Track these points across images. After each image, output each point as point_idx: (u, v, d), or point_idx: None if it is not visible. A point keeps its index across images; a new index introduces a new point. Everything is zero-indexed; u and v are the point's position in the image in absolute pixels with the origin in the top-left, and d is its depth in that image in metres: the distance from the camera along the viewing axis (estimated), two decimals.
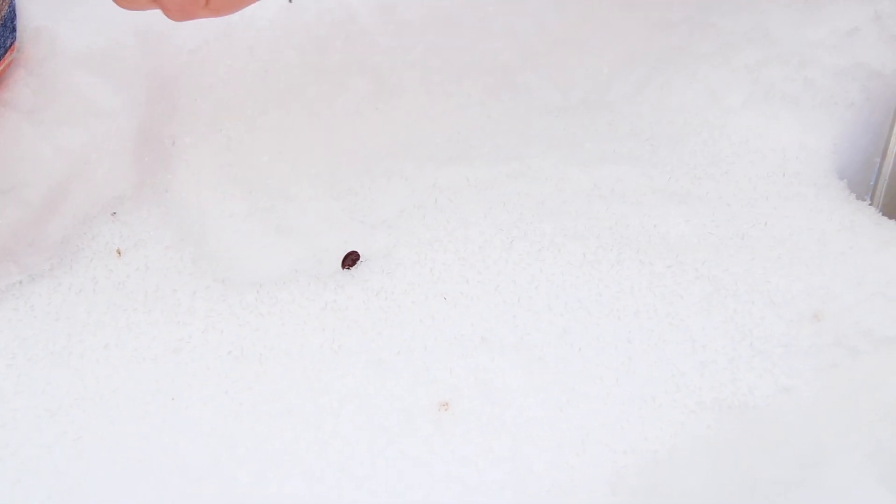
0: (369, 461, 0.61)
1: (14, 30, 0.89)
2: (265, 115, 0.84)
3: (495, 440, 0.61)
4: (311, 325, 0.68)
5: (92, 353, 0.67)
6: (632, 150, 0.78)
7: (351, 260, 0.72)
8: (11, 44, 0.88)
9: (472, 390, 0.64)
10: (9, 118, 0.90)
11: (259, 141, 0.82)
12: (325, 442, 0.62)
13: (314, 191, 0.79)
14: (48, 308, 0.70)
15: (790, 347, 0.63)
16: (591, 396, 0.62)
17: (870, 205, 0.72)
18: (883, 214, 0.71)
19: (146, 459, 0.62)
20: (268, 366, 0.66)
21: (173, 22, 0.64)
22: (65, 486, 0.61)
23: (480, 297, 0.68)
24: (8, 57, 0.88)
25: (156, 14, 0.64)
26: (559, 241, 0.71)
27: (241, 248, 0.74)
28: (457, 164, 0.79)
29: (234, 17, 0.74)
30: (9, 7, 0.87)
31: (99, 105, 0.88)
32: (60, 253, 0.76)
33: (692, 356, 0.63)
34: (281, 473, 0.61)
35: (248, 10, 0.68)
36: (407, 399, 0.64)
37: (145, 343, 0.67)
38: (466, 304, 0.68)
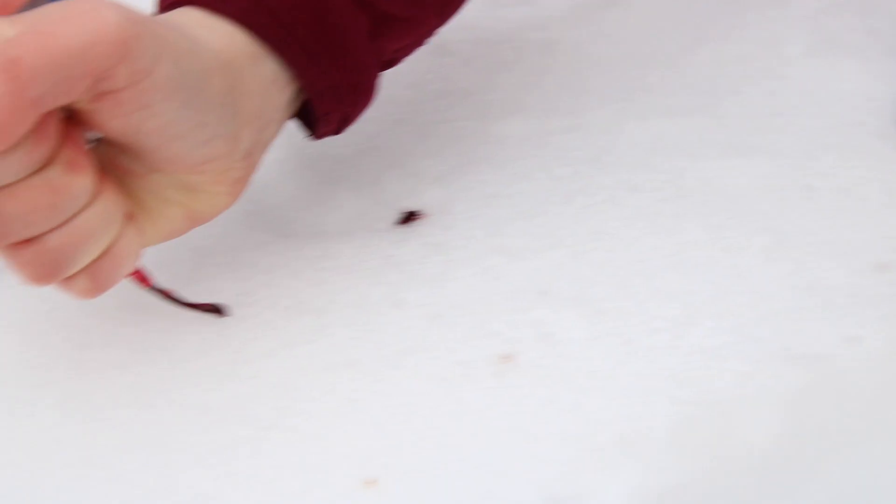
0: (431, 412, 0.61)
1: None
2: None
3: (557, 392, 0.61)
4: (371, 278, 0.68)
5: (154, 308, 0.67)
6: (688, 102, 0.78)
7: (408, 218, 0.72)
8: None
9: (532, 343, 0.63)
10: None
11: None
12: (387, 394, 0.62)
13: (369, 146, 0.78)
14: None
15: (856, 297, 0.62)
16: (654, 348, 0.62)
17: None
18: None
19: (210, 409, 0.62)
20: (328, 319, 0.66)
21: None
22: (132, 437, 0.62)
23: (539, 251, 0.68)
24: None
25: None
26: (618, 194, 0.71)
27: (300, 202, 0.74)
28: (512, 119, 0.79)
29: None
30: None
31: None
32: None
33: (756, 307, 0.63)
34: (344, 424, 0.61)
35: None
36: (467, 352, 0.64)
37: (206, 297, 0.68)
38: (525, 257, 0.68)
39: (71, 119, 0.50)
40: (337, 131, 0.65)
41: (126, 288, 0.68)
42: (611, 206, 0.70)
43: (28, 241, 0.49)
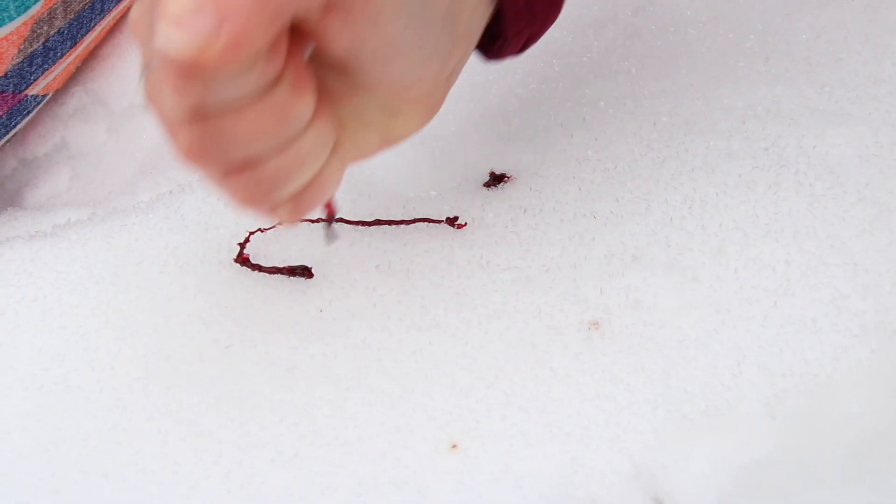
0: (517, 377, 0.61)
1: None
2: None
3: (647, 360, 0.60)
4: (459, 240, 0.67)
5: (239, 265, 0.67)
6: (787, 69, 0.76)
7: (497, 180, 0.71)
8: None
9: (622, 309, 0.62)
10: None
11: None
12: (472, 357, 0.62)
13: (458, 108, 0.77)
14: (198, 218, 0.70)
15: None
16: (748, 318, 0.61)
17: None
18: None
19: (295, 367, 0.62)
20: (415, 280, 0.65)
21: None
22: (216, 392, 0.62)
23: (631, 216, 0.67)
24: None
25: None
26: (712, 160, 0.69)
27: (387, 162, 0.74)
28: (603, 82, 0.77)
29: None
30: None
31: None
32: None
33: (854, 279, 0.61)
34: (427, 385, 0.61)
35: None
36: (556, 316, 0.63)
37: (293, 255, 0.68)
38: (616, 222, 0.67)
39: (294, 34, 0.47)
40: (520, 52, 0.63)
41: (210, 243, 0.68)
42: (704, 173, 0.68)
43: (246, 166, 0.48)
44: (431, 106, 0.56)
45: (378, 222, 0.68)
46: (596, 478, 0.57)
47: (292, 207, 0.52)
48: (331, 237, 0.61)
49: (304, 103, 0.48)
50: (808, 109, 0.71)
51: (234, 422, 0.61)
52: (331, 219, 0.58)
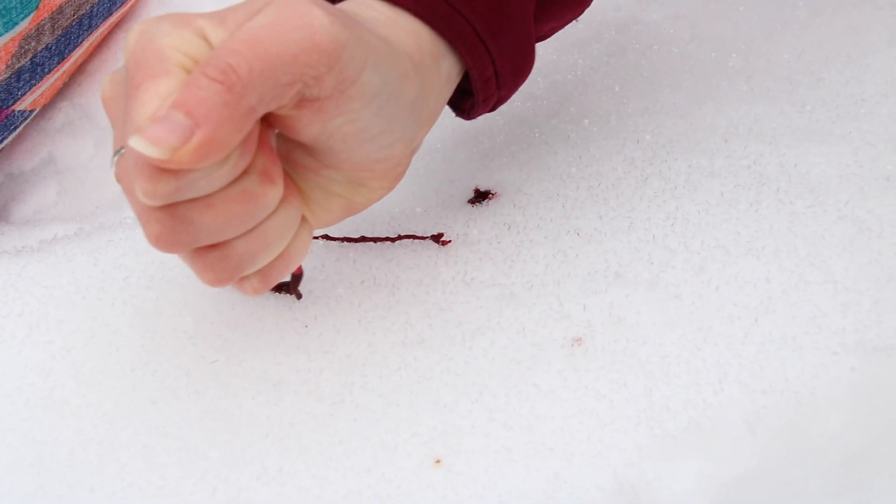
0: (502, 393, 0.61)
1: None
2: None
3: (630, 376, 0.60)
4: (444, 256, 0.68)
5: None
6: (769, 88, 0.77)
7: (481, 196, 0.71)
8: None
9: (605, 326, 0.63)
10: None
11: None
12: (456, 373, 0.62)
13: (443, 125, 0.78)
14: None
15: None
16: (729, 335, 0.61)
17: None
18: None
19: (280, 383, 0.63)
20: (400, 296, 0.66)
21: None
22: (202, 407, 0.62)
23: (614, 234, 0.67)
24: None
25: None
26: (695, 178, 0.70)
27: None
28: (587, 100, 0.78)
29: None
30: None
31: None
32: None
33: (835, 297, 0.62)
34: (412, 401, 0.61)
35: None
36: (540, 333, 0.63)
37: None
38: (600, 240, 0.67)
39: (263, 121, 0.49)
40: (492, 110, 0.64)
41: None
42: (687, 191, 0.69)
43: (213, 246, 0.49)
44: (395, 177, 0.57)
45: (363, 239, 0.68)
46: (579, 494, 0.57)
47: (259, 281, 0.53)
48: (297, 295, 0.62)
49: (273, 191, 0.49)
50: (789, 128, 0.72)
51: (221, 437, 0.61)
52: (296, 280, 0.59)
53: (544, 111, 0.77)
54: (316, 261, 0.68)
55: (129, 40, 0.46)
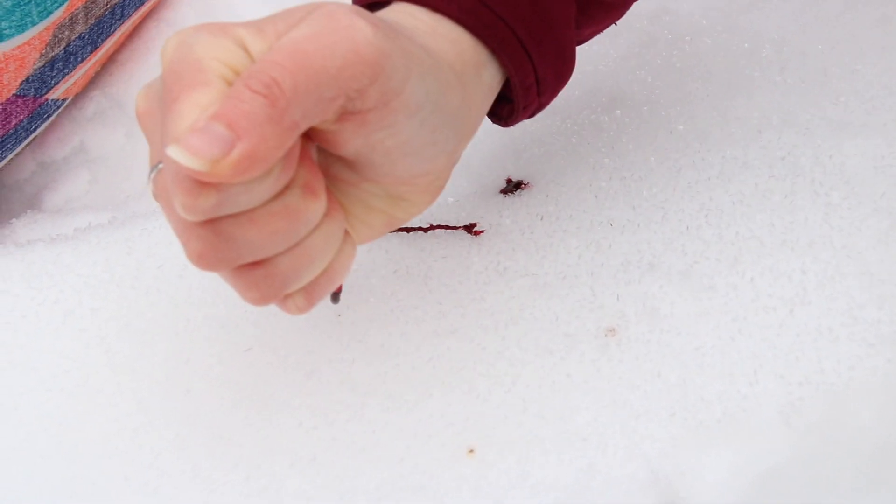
0: (535, 383, 0.61)
1: None
2: None
3: (664, 367, 0.60)
4: (476, 246, 0.67)
5: None
6: (802, 79, 0.76)
7: (515, 187, 0.71)
8: None
9: (639, 317, 0.63)
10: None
11: None
12: (489, 363, 0.62)
13: None
14: None
15: None
16: (764, 326, 0.61)
17: None
18: None
19: (313, 372, 0.63)
20: (433, 286, 0.66)
21: None
22: (235, 396, 0.63)
23: (647, 224, 0.67)
24: None
25: None
26: (728, 170, 0.69)
27: None
28: (619, 91, 0.78)
29: None
30: None
31: None
32: None
33: (870, 289, 0.61)
34: (445, 390, 0.61)
35: None
36: (573, 323, 0.63)
37: None
38: (633, 230, 0.67)
39: (304, 136, 0.47)
40: (531, 116, 0.63)
41: None
42: (721, 182, 0.68)
43: (257, 264, 0.48)
44: (435, 191, 0.56)
45: (396, 229, 0.68)
46: (612, 484, 0.57)
47: (304, 299, 0.51)
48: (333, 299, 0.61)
49: (316, 205, 0.47)
50: (823, 120, 0.72)
51: (253, 426, 0.61)
52: (335, 296, 0.58)
53: (576, 102, 0.77)
54: None
55: (167, 50, 0.44)
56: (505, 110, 0.61)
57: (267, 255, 0.47)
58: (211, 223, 0.44)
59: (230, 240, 0.45)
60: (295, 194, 0.46)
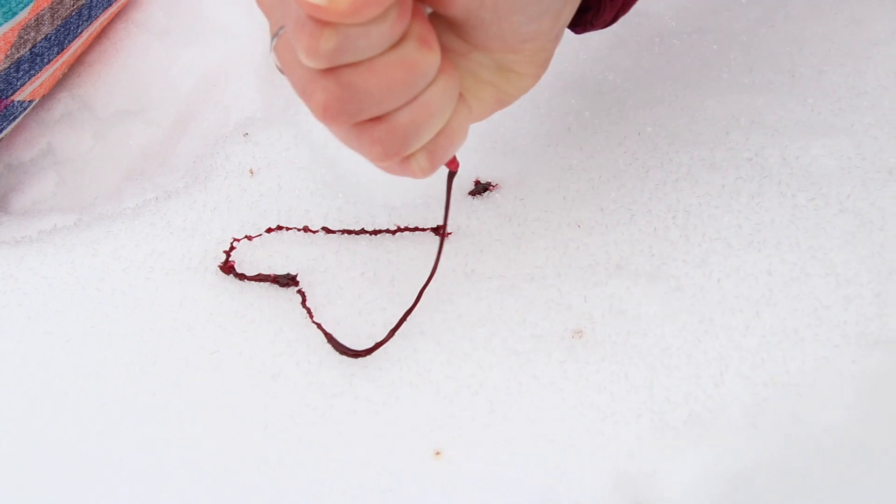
0: (502, 385, 0.61)
1: None
2: None
3: (631, 368, 0.60)
4: (444, 248, 0.67)
5: (227, 274, 0.68)
6: (771, 80, 0.76)
7: (482, 188, 0.71)
8: None
9: (606, 318, 0.63)
10: (140, 39, 0.90)
11: None
12: (457, 365, 0.62)
13: None
14: (184, 225, 0.70)
15: None
16: (730, 327, 0.61)
17: None
18: None
19: (280, 374, 0.62)
20: (400, 287, 0.66)
21: None
22: (201, 399, 0.62)
23: (615, 226, 0.67)
24: None
25: None
26: (696, 171, 0.69)
27: (373, 171, 0.74)
28: (588, 92, 0.78)
29: None
30: None
31: (228, 27, 0.88)
32: (193, 172, 0.76)
33: (836, 290, 0.61)
34: (414, 392, 0.61)
35: None
36: (540, 325, 0.63)
37: (279, 262, 0.68)
38: (601, 232, 0.67)
39: None
40: (612, 21, 0.64)
41: (195, 250, 0.68)
42: (688, 183, 0.68)
43: (378, 119, 0.49)
44: (541, 63, 0.57)
45: (364, 231, 0.68)
46: (580, 486, 0.57)
47: (426, 158, 0.53)
48: (451, 188, 0.61)
49: (431, 57, 0.49)
50: (791, 121, 0.72)
51: (220, 428, 0.61)
52: (453, 171, 0.60)
53: (545, 103, 0.77)
54: (316, 252, 0.68)
55: None
56: (590, 14, 0.62)
57: (387, 108, 0.49)
58: (333, 73, 0.46)
59: (352, 90, 0.47)
60: (411, 45, 0.47)
